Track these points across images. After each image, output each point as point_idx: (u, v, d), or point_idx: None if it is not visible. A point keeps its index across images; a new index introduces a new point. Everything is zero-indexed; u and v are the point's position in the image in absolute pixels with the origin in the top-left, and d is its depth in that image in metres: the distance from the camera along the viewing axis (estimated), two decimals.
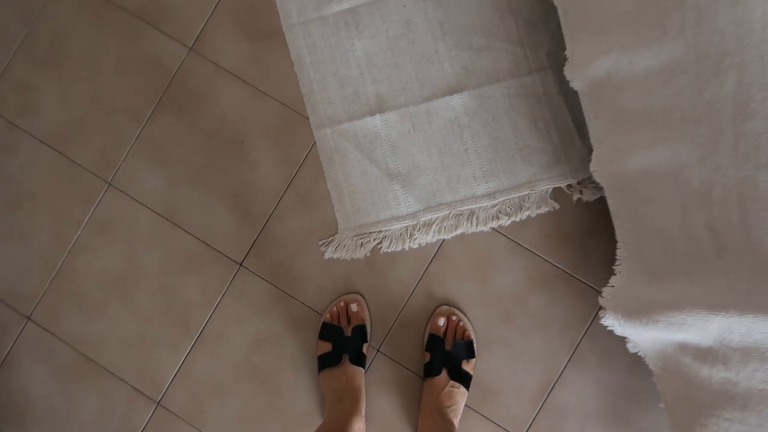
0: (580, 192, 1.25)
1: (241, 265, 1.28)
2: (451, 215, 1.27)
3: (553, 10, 1.24)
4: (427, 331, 1.24)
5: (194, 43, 1.31)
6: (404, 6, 1.28)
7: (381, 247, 1.27)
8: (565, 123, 1.26)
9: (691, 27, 0.78)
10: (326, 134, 1.29)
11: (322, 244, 1.27)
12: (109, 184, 1.30)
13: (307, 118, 1.29)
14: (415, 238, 1.26)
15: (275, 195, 1.28)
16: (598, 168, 1.04)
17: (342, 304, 1.24)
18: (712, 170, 0.80)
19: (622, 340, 1.01)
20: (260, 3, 1.30)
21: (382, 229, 1.27)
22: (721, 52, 0.75)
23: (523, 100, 1.26)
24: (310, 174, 1.28)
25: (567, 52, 1.06)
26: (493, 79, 1.27)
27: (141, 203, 1.29)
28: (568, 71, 1.04)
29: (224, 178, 1.29)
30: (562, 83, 1.23)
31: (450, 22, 1.28)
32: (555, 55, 1.26)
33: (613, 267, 1.04)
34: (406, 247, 1.26)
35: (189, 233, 1.28)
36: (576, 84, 1.04)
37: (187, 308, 1.28)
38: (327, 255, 1.26)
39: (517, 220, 1.26)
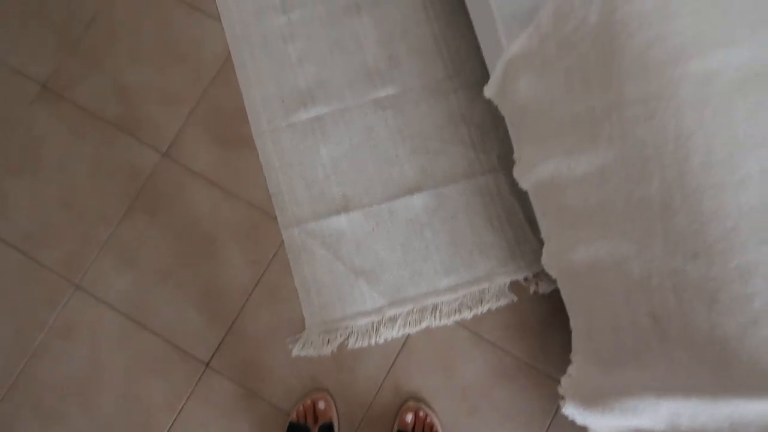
0: (536, 284, 1.32)
1: (207, 365, 1.28)
2: (415, 310, 1.31)
3: (501, 118, 1.37)
4: (396, 427, 1.24)
5: (168, 148, 1.38)
6: (366, 114, 1.39)
7: (348, 344, 1.29)
8: (518, 220, 1.34)
9: (618, 137, 0.88)
10: (294, 233, 1.34)
11: (290, 341, 1.29)
12: (76, 287, 1.31)
13: (276, 219, 1.35)
14: (381, 334, 1.29)
15: (244, 293, 1.31)
16: (548, 261, 1.12)
17: (309, 402, 1.24)
18: (648, 261, 0.88)
19: (586, 429, 1.03)
20: (232, 111, 1.40)
21: (349, 325, 1.30)
22: (644, 158, 0.85)
23: (478, 199, 1.35)
24: (278, 272, 1.32)
25: (515, 156, 1.16)
26: (450, 180, 1.36)
27: (107, 305, 1.30)
28: (516, 173, 1.14)
29: (193, 278, 1.31)
30: (513, 183, 1.33)
31: (408, 129, 1.39)
32: (505, 157, 1.37)
33: (570, 356, 1.09)
34: (373, 342, 1.29)
35: (155, 334, 1.28)
36: (524, 185, 1.13)
37: (151, 413, 1.26)
38: (295, 352, 1.28)
39: (479, 313, 1.30)
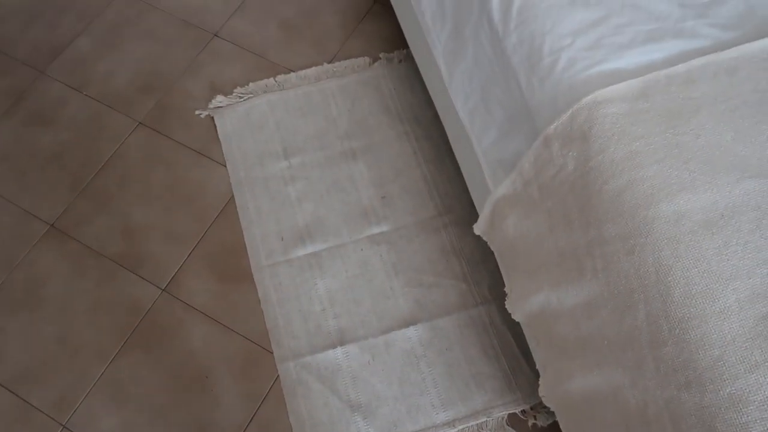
0: (534, 417, 1.31)
1: None
2: None
3: (491, 251, 1.45)
4: None
5: (167, 285, 1.42)
6: (362, 250, 1.46)
7: None
8: (512, 350, 1.37)
9: (602, 270, 0.95)
10: (290, 367, 1.34)
11: None
12: (63, 427, 1.27)
13: (272, 353, 1.35)
14: None
15: (238, 430, 1.28)
16: (546, 393, 1.13)
17: None
18: (643, 391, 0.90)
19: None
20: (232, 248, 1.46)
21: None
22: (629, 290, 0.91)
23: (472, 330, 1.39)
24: (273, 407, 1.30)
25: (506, 289, 1.22)
26: (443, 312, 1.40)
27: None
28: (508, 305, 1.19)
29: (186, 415, 1.28)
30: (505, 314, 1.37)
31: (402, 263, 1.45)
32: (496, 288, 1.43)
33: None
34: None
35: None
36: (516, 316, 1.18)
37: None
38: None
39: None
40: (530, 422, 1.30)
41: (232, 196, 1.52)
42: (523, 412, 1.32)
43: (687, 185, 0.90)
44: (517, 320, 1.19)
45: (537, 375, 1.31)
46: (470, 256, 1.47)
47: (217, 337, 1.36)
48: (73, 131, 1.59)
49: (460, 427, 1.29)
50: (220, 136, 1.59)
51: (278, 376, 1.33)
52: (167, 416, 1.28)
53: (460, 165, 1.40)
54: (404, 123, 1.62)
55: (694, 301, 0.85)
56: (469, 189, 1.38)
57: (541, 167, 1.04)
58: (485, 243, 1.30)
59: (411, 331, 1.38)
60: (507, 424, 1.30)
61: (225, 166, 1.55)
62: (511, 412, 1.31)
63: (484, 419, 1.30)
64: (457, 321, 1.39)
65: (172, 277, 1.42)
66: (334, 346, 1.36)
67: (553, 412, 1.28)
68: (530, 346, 1.21)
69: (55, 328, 1.37)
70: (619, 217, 0.92)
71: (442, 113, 1.42)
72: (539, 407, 1.31)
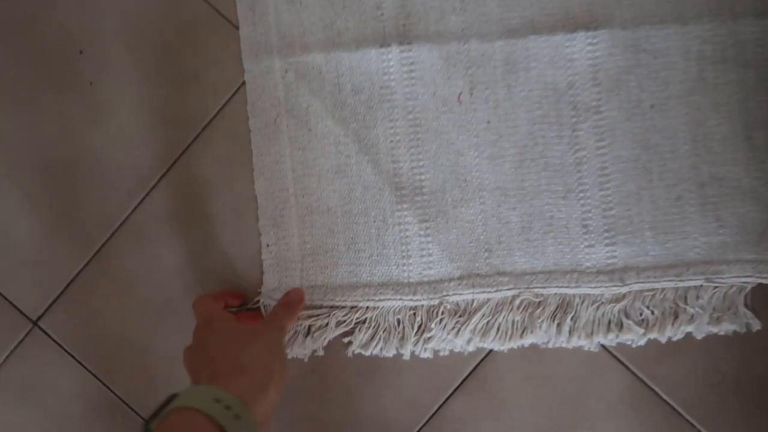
0: None
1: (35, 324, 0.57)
2: (519, 300, 0.56)
3: None
4: None
5: None
6: None
7: (352, 342, 0.57)
8: None
9: None
10: (272, 68, 0.57)
11: None
12: None
13: (236, 28, 0.57)
14: (432, 334, 0.56)
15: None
16: None
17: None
18: None
19: None
20: None
21: (364, 304, 0.56)
22: None
23: (719, 67, 0.56)
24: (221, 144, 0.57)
25: None
26: (669, 16, 0.56)
27: None
28: None
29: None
30: None
31: None
32: None
33: None
34: (410, 351, 0.56)
35: None
36: None
37: None
38: None
39: (663, 337, 0.56)
40: None
41: None
42: None
43: None
44: None
45: None
46: None
47: None
48: None
49: (635, 287, 0.56)
50: None
51: (243, 82, 0.57)
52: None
53: None
54: None
55: None
56: None
57: None
58: None
59: (579, 41, 0.56)
60: (747, 304, 0.56)
61: None
62: (765, 280, 0.55)
63: (697, 281, 0.55)
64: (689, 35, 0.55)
65: None
66: (384, 43, 0.56)
67: None
68: None
69: None
70: None
71: None
72: None
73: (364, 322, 0.57)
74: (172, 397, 0.42)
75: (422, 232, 0.57)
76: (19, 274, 0.58)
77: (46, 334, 0.58)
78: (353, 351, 0.57)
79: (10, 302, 0.58)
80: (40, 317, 0.58)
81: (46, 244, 0.58)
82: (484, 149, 0.57)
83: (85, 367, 0.58)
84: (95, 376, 0.58)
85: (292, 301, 0.54)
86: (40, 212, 0.58)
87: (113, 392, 0.58)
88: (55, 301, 0.58)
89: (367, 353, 0.56)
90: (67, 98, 0.58)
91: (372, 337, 0.56)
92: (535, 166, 0.57)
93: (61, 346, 0.58)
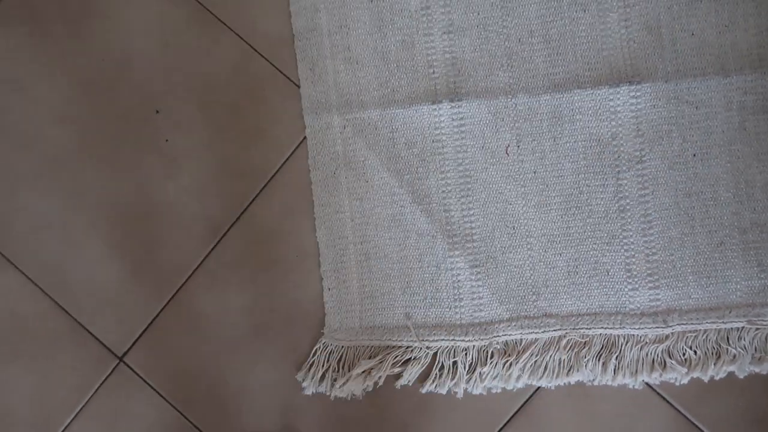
0: None
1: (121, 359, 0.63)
2: (566, 341, 0.60)
3: None
4: None
5: None
6: None
7: (409, 381, 0.61)
8: None
9: None
10: (331, 124, 0.61)
11: (301, 371, 0.62)
12: None
13: (297, 87, 0.62)
14: (485, 372, 0.60)
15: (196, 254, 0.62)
16: None
17: None
18: None
19: None
20: None
21: (417, 345, 0.60)
22: None
23: (760, 117, 0.58)
24: (283, 201, 0.62)
25: None
26: (710, 68, 0.58)
27: None
28: None
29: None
30: None
31: None
32: None
33: None
34: (463, 388, 0.60)
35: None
36: None
37: None
38: (308, 390, 0.61)
39: (706, 376, 0.58)
40: None
41: None
42: None
43: None
44: None
45: None
46: None
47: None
48: None
49: (678, 328, 0.58)
50: None
51: (304, 138, 0.61)
52: None
53: None
54: None
55: None
56: None
57: None
58: None
59: (623, 95, 0.58)
60: None
61: None
62: None
63: (739, 323, 0.58)
64: (731, 88, 0.57)
65: None
66: (436, 100, 0.60)
67: None
68: None
69: None
70: None
71: None
72: None
73: (419, 360, 0.61)
74: None
75: (473, 277, 0.61)
76: (105, 313, 0.64)
77: (131, 368, 0.64)
78: (408, 386, 0.61)
79: (98, 340, 0.64)
80: (125, 354, 0.64)
81: (128, 287, 0.64)
82: (531, 198, 0.60)
83: (164, 399, 0.64)
84: (174, 407, 0.64)
85: None
86: (123, 258, 0.64)
87: (190, 421, 0.64)
88: (138, 339, 0.64)
89: (423, 391, 0.61)
90: (145, 154, 0.64)
91: (427, 376, 0.61)
92: (580, 214, 0.60)
93: (143, 379, 0.64)
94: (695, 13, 0.58)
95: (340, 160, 0.62)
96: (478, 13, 0.60)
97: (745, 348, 0.58)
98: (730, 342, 0.59)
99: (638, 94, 0.59)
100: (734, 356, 0.58)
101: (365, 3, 0.61)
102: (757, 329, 0.58)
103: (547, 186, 0.60)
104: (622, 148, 0.59)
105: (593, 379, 0.60)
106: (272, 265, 0.63)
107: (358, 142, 0.62)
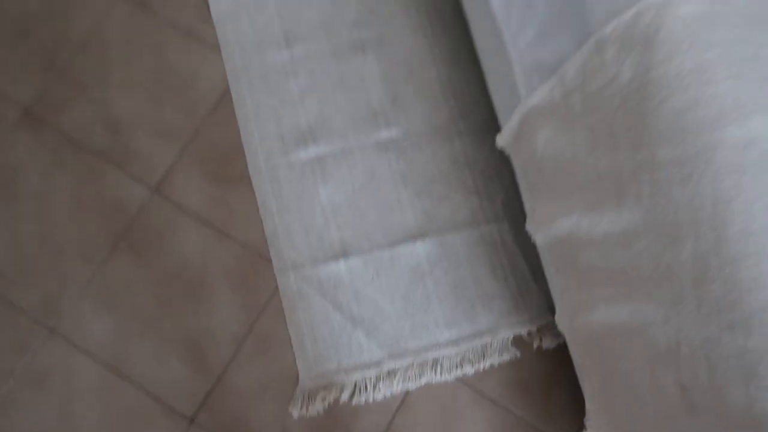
0: (540, 339, 1.27)
1: (192, 421, 1.18)
2: (415, 364, 1.24)
3: (506, 163, 1.34)
4: None
5: (158, 184, 1.30)
6: (369, 157, 1.34)
7: (343, 399, 1.21)
8: (522, 271, 1.30)
9: (648, 197, 0.85)
10: (290, 279, 1.27)
11: (291, 403, 1.20)
12: (51, 330, 1.21)
13: (270, 261, 1.28)
14: (379, 389, 1.22)
15: (234, 341, 1.23)
16: (561, 321, 1.07)
17: None
18: (677, 329, 0.84)
19: None
20: (228, 147, 1.33)
21: (345, 379, 1.22)
22: (677, 222, 0.82)
23: (482, 249, 1.31)
24: (271, 319, 1.25)
25: (527, 208, 1.12)
26: (453, 227, 1.32)
27: (85, 352, 1.19)
28: (529, 227, 1.10)
29: (180, 324, 1.22)
30: (517, 233, 1.29)
31: (411, 173, 1.34)
32: (509, 204, 1.33)
33: (585, 420, 1.04)
34: (370, 398, 1.21)
35: (135, 385, 1.18)
36: (538, 239, 1.09)
37: None
38: (296, 414, 1.19)
39: (481, 368, 1.25)
40: (535, 344, 1.26)
41: (227, 87, 1.36)
42: (529, 333, 1.27)
43: (761, 107, 0.78)
44: (537, 243, 1.10)
45: (546, 297, 1.25)
46: (484, 167, 1.36)
47: (212, 243, 1.27)
48: (44, 2, 1.40)
49: (464, 347, 1.25)
50: (213, 17, 1.40)
51: (277, 287, 1.26)
52: (161, 323, 1.22)
53: (483, 66, 1.25)
54: (420, 14, 1.44)
55: (752, 237, 0.77)
56: (492, 95, 1.24)
57: (588, 75, 0.91)
58: (500, 154, 1.19)
59: (418, 246, 1.30)
60: (512, 345, 1.26)
61: (219, 52, 1.38)
62: (516, 333, 1.27)
63: (488, 339, 1.26)
64: (467, 238, 1.31)
65: (162, 177, 1.30)
66: (336, 259, 1.28)
67: (559, 335, 1.24)
68: (547, 272, 1.14)
69: (35, 225, 1.26)
70: (678, 139, 0.81)
71: (468, 4, 1.24)
72: (545, 329, 1.27)
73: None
74: None
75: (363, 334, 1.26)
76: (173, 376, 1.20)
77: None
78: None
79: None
80: (194, 416, 1.19)
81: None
82: None
83: None
84: None
85: None
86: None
87: None
88: (203, 402, 1.20)
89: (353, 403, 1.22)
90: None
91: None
92: None
93: None
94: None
95: None
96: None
97: (496, 350, 1.26)
98: (488, 348, 1.26)
99: None
100: (490, 355, 1.25)
101: None
102: (497, 340, 1.26)
103: None
104: None
105: (432, 380, 1.24)
106: None
107: None
